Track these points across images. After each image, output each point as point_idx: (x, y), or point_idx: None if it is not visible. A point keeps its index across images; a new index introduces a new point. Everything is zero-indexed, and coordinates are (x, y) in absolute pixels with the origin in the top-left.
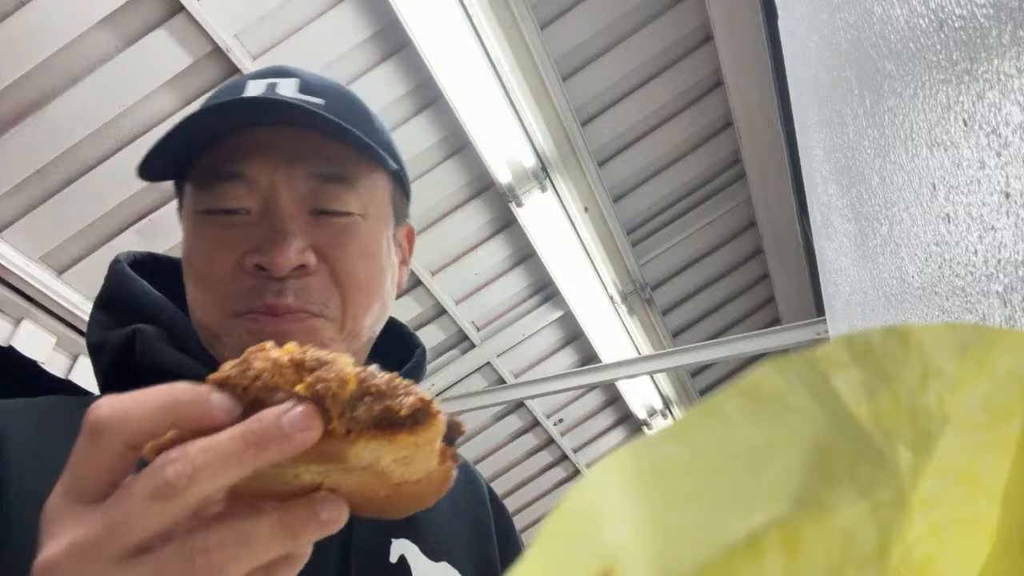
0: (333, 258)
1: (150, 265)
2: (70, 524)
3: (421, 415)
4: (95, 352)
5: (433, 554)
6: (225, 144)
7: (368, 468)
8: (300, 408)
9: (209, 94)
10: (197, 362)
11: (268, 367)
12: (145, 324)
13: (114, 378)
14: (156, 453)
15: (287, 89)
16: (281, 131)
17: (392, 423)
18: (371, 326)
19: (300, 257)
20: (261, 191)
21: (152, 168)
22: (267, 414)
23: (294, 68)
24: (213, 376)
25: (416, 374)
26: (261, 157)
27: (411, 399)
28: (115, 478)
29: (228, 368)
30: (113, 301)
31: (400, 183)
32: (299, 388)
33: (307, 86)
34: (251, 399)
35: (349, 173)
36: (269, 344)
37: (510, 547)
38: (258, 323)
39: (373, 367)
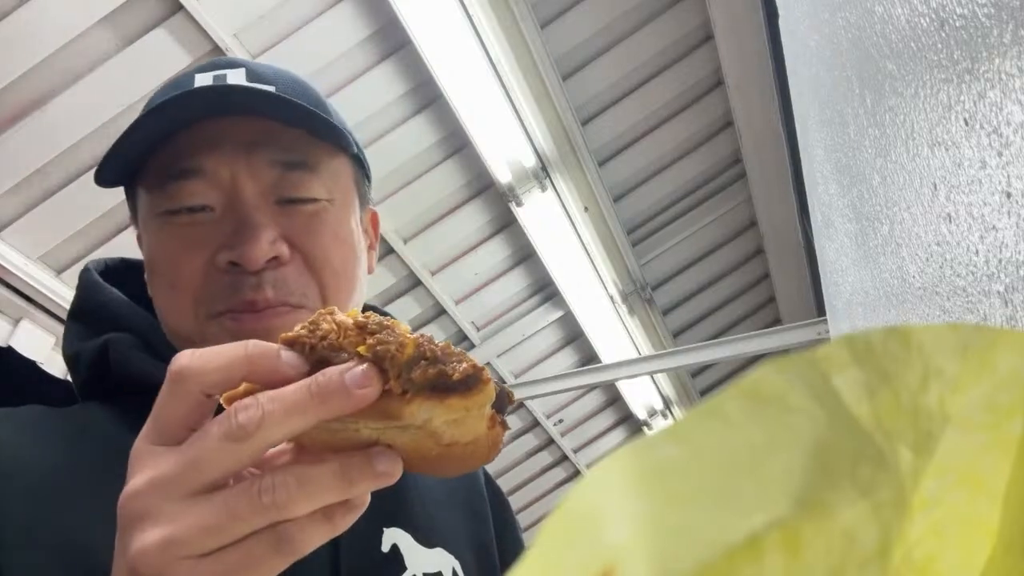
0: (305, 246)
1: (122, 271)
2: (152, 462)
3: (472, 381)
4: (72, 364)
5: (427, 541)
6: (177, 141)
7: (422, 427)
8: (362, 367)
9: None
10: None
11: (334, 328)
12: (118, 332)
13: (93, 388)
14: (230, 403)
15: (236, 79)
16: (235, 121)
17: (445, 387)
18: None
19: (273, 248)
20: (222, 185)
21: (108, 174)
22: (331, 370)
23: (240, 59)
24: (284, 335)
25: None
26: (217, 149)
27: (464, 365)
28: (193, 423)
29: (298, 328)
30: (85, 311)
31: (361, 166)
32: (361, 349)
33: (255, 75)
34: (318, 357)
35: (311, 159)
36: (335, 307)
37: (508, 534)
38: (238, 322)
39: (429, 335)
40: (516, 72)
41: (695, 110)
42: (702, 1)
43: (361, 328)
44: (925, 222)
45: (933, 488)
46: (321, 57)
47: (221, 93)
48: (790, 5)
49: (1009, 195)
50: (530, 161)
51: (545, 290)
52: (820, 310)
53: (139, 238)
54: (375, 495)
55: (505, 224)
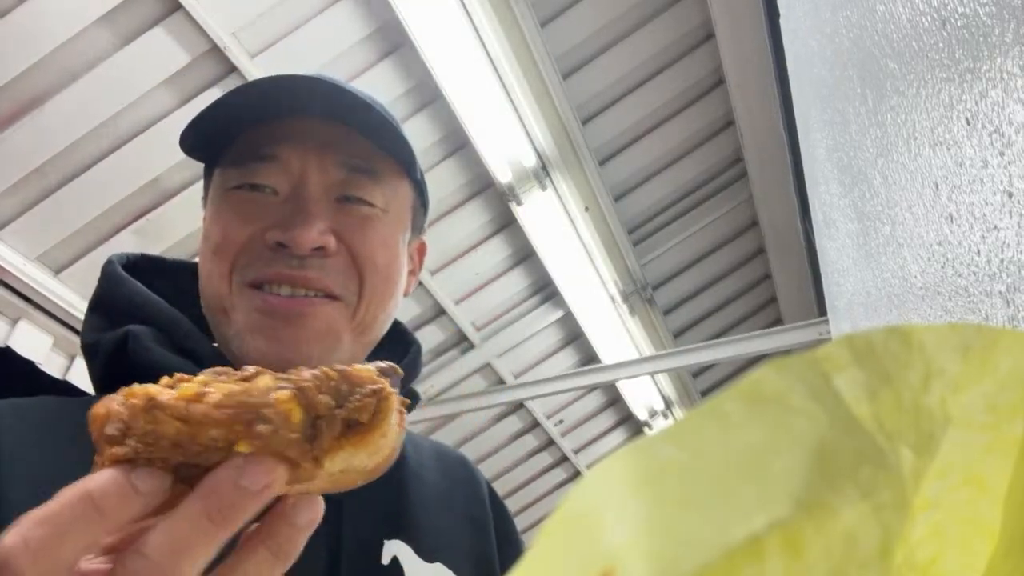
0: (354, 244)
1: (143, 266)
2: None
3: (379, 406)
4: (89, 354)
5: (427, 554)
6: (262, 129)
7: (342, 471)
8: (253, 462)
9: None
10: (190, 362)
11: (176, 429)
12: (138, 325)
13: (109, 380)
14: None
15: (328, 78)
16: (317, 121)
17: (357, 427)
18: (383, 323)
19: (321, 238)
20: (291, 174)
21: (191, 141)
22: (218, 482)
23: (329, 76)
24: (114, 451)
25: (413, 369)
26: (297, 143)
27: (363, 397)
28: None
29: (114, 450)
30: (106, 303)
31: (421, 196)
32: (240, 447)
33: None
34: (177, 464)
35: (376, 168)
36: (139, 390)
37: (511, 547)
38: (271, 303)
39: (302, 374)
40: (516, 71)
41: (696, 110)
42: (703, 0)
43: (217, 421)
44: (927, 222)
45: (935, 489)
46: (320, 56)
47: (311, 88)
48: (791, 4)
49: (1011, 195)
50: (530, 160)
51: (545, 290)
52: (821, 310)
53: (205, 220)
54: (377, 505)
55: (505, 224)
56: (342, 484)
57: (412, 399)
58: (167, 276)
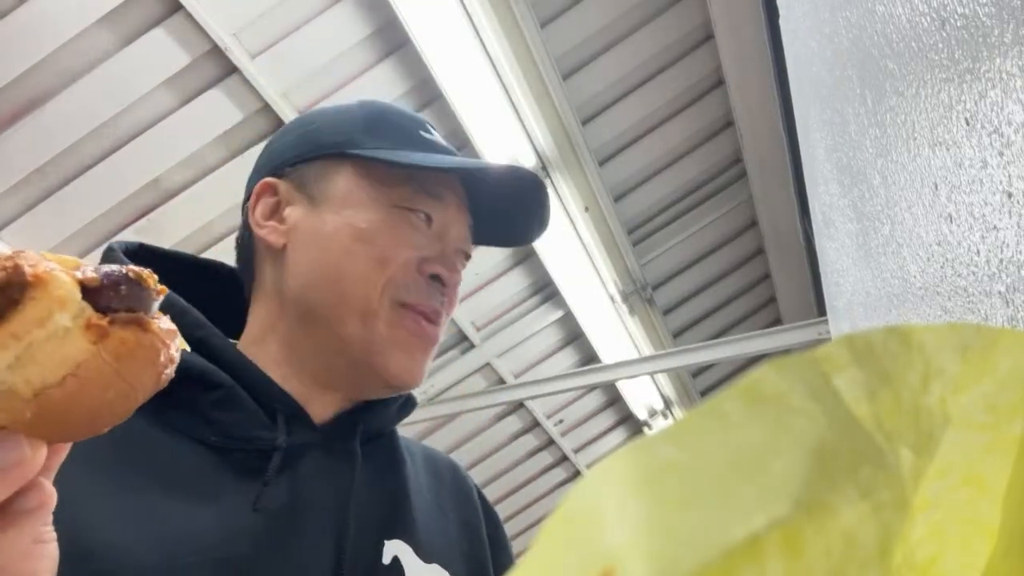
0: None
1: (142, 255)
2: None
3: (15, 287)
4: None
5: (426, 555)
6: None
7: (9, 367)
8: None
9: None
10: (196, 354)
11: None
12: None
13: None
14: None
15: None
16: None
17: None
18: None
19: (460, 278)
20: (445, 217)
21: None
22: None
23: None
24: None
25: None
26: (453, 194)
27: None
28: None
29: None
30: None
31: None
32: None
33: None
34: None
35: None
36: None
37: (501, 552)
38: (423, 328)
39: None
40: (516, 72)
41: (695, 110)
42: (702, 1)
43: None
44: (926, 222)
45: (934, 489)
46: (320, 57)
47: (520, 178)
48: (791, 5)
49: (1010, 195)
50: (530, 161)
51: (545, 290)
52: (821, 310)
53: (266, 187)
54: (379, 506)
55: None
56: (12, 414)
57: (408, 403)
58: (167, 266)
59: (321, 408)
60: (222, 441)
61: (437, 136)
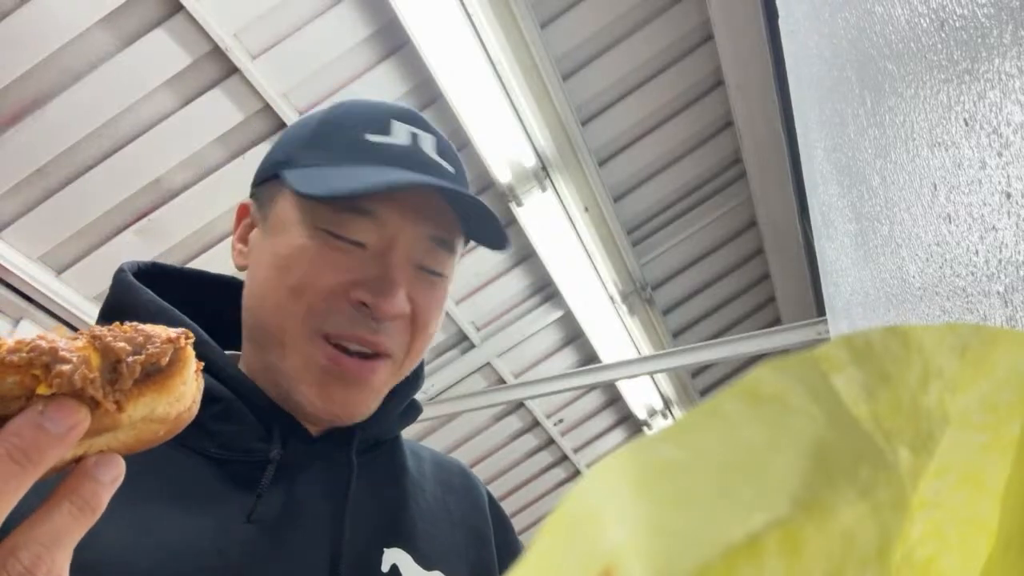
0: (418, 311)
1: (154, 274)
2: None
3: (176, 355)
4: None
5: (426, 563)
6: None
7: (143, 419)
8: (55, 404)
9: (316, 108)
10: (205, 372)
11: None
12: None
13: None
14: None
15: (427, 146)
16: (420, 192)
17: (156, 374)
18: (412, 368)
19: (402, 307)
20: (383, 234)
21: (302, 184)
22: (19, 424)
23: (424, 120)
24: None
25: (415, 383)
26: (395, 206)
27: (160, 343)
28: None
29: None
30: (119, 310)
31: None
32: (41, 390)
33: (442, 150)
34: None
35: (454, 241)
36: None
37: (510, 554)
38: (340, 364)
39: (93, 327)
40: (516, 72)
41: (695, 110)
42: (702, 1)
43: (15, 367)
44: (925, 222)
45: (933, 488)
46: (321, 57)
47: (436, 185)
48: (790, 6)
49: (1009, 195)
50: (530, 161)
51: (545, 290)
52: (820, 310)
53: (244, 209)
54: (377, 513)
55: (505, 224)
56: (145, 437)
57: (413, 410)
58: (177, 285)
59: (308, 419)
60: (220, 452)
61: (397, 131)
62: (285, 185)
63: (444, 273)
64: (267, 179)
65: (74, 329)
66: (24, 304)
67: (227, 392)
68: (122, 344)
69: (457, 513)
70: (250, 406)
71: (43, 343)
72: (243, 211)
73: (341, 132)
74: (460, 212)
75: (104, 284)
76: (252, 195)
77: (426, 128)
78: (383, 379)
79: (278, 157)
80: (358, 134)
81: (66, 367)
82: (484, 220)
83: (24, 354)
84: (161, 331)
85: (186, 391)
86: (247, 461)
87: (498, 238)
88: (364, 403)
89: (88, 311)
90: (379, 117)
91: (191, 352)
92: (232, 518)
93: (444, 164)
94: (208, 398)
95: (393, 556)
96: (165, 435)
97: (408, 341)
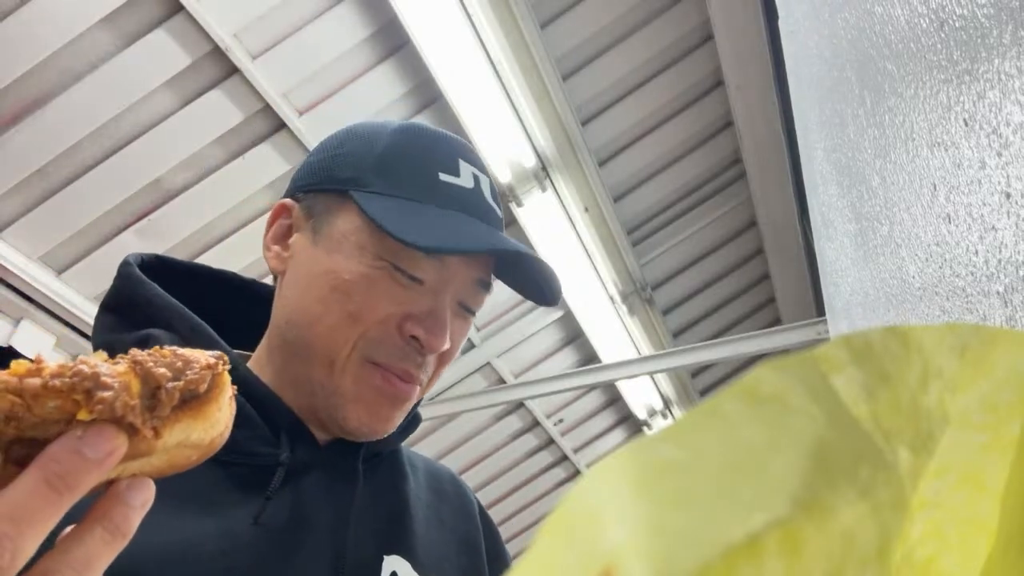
0: (453, 345)
1: (158, 268)
2: None
3: (214, 381)
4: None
5: (423, 570)
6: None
7: (178, 445)
8: (94, 430)
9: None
10: None
11: (10, 403)
12: (159, 330)
13: None
14: None
15: (486, 189)
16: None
17: (194, 400)
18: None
19: (447, 344)
20: (442, 276)
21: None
22: (56, 449)
23: (479, 157)
24: None
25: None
26: (457, 255)
27: (198, 368)
28: None
29: None
30: (123, 304)
31: None
32: (82, 415)
33: (494, 194)
34: (10, 442)
35: (491, 282)
36: None
37: (499, 564)
38: (392, 386)
39: (135, 352)
40: (516, 72)
41: (695, 110)
42: (702, 1)
43: (56, 391)
44: (924, 222)
45: (933, 488)
46: (321, 57)
47: (523, 252)
48: (790, 6)
49: (1008, 195)
50: (530, 161)
51: None
52: (820, 310)
53: (281, 209)
54: (379, 521)
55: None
56: (178, 462)
57: (414, 422)
58: (182, 280)
59: (322, 428)
60: (228, 456)
61: (464, 173)
62: (356, 206)
63: (476, 311)
64: (326, 190)
65: (75, 330)
66: (24, 304)
67: (238, 395)
68: (163, 370)
69: (450, 521)
70: (259, 409)
71: (85, 368)
72: (282, 211)
73: (414, 165)
74: (503, 258)
75: (105, 284)
76: (297, 199)
77: (482, 168)
78: (413, 400)
79: (346, 174)
80: (431, 171)
81: (108, 394)
82: (541, 276)
83: (67, 379)
84: (200, 356)
85: (221, 417)
86: (253, 465)
87: (552, 295)
88: (397, 419)
89: (88, 311)
90: (449, 154)
91: (227, 378)
92: (238, 521)
93: (496, 208)
94: None
95: (393, 563)
96: (197, 460)
97: (434, 369)
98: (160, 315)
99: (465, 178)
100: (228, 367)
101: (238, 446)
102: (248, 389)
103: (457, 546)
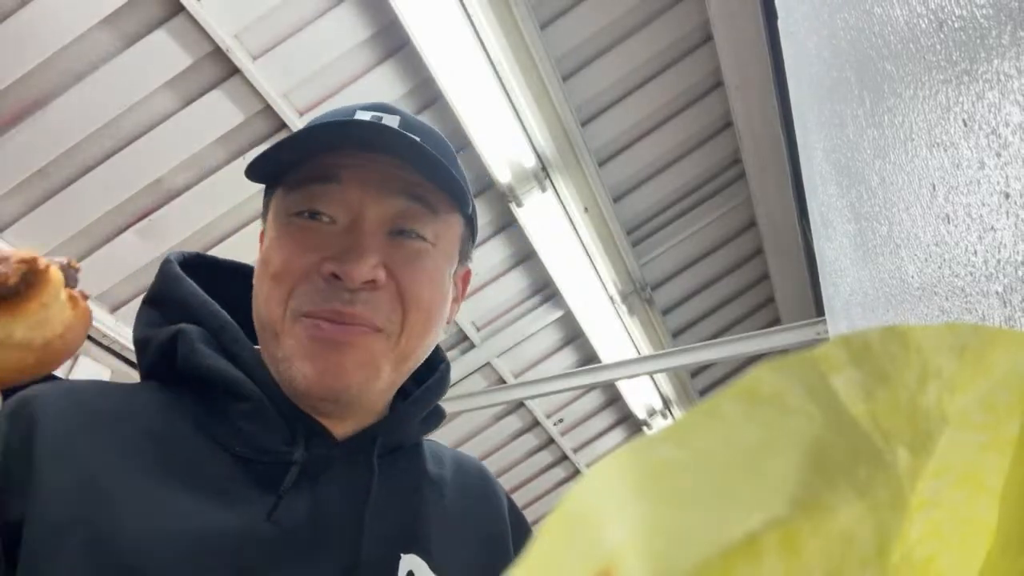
0: (401, 277)
1: (195, 264)
2: None
3: (32, 276)
4: (140, 348)
5: (439, 569)
6: (325, 158)
7: (3, 345)
8: None
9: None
10: (232, 365)
11: None
12: (190, 324)
13: (157, 372)
14: None
15: (390, 123)
16: (379, 157)
17: (7, 296)
18: (422, 353)
19: (372, 272)
20: (351, 204)
21: (257, 171)
22: None
23: (398, 109)
24: None
25: (439, 389)
26: (359, 170)
27: (15, 265)
28: None
29: None
30: (162, 299)
31: (470, 226)
32: None
33: (407, 124)
34: None
35: (432, 201)
36: None
37: None
38: (322, 330)
39: None
40: (516, 72)
41: (695, 110)
42: (702, 2)
43: None
44: (924, 223)
45: (932, 488)
46: (321, 58)
47: (378, 130)
48: (790, 6)
49: (1007, 196)
50: (530, 161)
51: (545, 290)
52: (819, 310)
53: (262, 235)
54: (396, 519)
55: (505, 224)
56: (10, 365)
57: (436, 416)
58: (221, 277)
59: (340, 424)
60: (244, 451)
61: (361, 117)
62: (272, 190)
63: (424, 235)
64: (267, 193)
65: None
66: None
67: (257, 391)
68: None
69: (473, 519)
70: (275, 406)
71: None
72: (261, 236)
73: (307, 128)
74: (425, 171)
75: (105, 284)
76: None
77: (396, 112)
78: (375, 348)
79: (270, 168)
80: (320, 123)
81: None
82: (443, 171)
83: None
84: (19, 252)
85: (50, 316)
86: (269, 462)
87: (452, 185)
88: (353, 369)
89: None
90: (346, 110)
91: (56, 275)
92: (253, 517)
93: (408, 135)
94: (237, 395)
95: (409, 562)
96: (35, 364)
97: (400, 317)
98: (193, 312)
99: (361, 116)
100: (64, 265)
101: (254, 441)
102: (266, 388)
103: (478, 545)
